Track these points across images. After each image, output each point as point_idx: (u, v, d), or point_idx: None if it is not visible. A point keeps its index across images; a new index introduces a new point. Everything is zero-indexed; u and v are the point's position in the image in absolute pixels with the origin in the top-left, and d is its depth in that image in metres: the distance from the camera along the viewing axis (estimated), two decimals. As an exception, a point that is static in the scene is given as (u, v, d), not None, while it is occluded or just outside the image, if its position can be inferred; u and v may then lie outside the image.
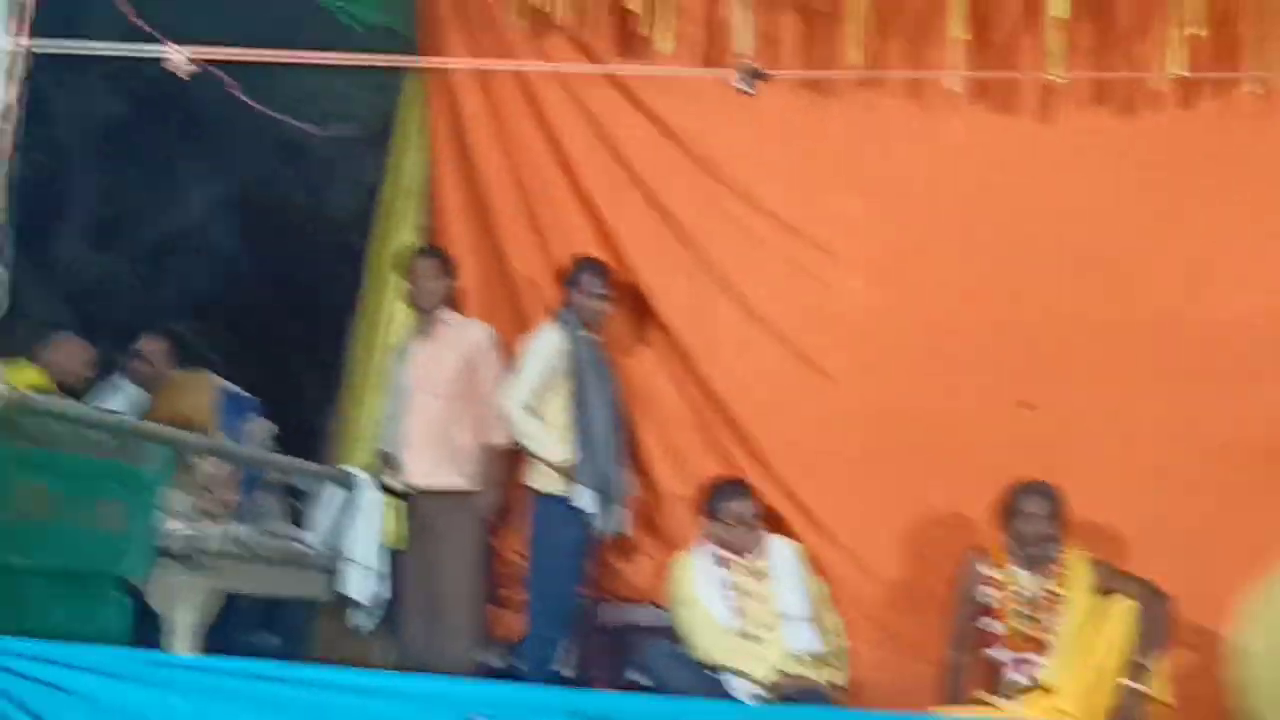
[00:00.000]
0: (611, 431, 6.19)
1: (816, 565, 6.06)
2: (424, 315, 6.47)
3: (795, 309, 6.48)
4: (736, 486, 5.91)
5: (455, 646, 6.15)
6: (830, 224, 6.47)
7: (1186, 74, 5.96)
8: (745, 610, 5.70)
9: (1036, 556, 5.59)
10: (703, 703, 5.03)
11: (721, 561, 5.78)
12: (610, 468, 6.14)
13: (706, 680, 5.53)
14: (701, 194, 6.57)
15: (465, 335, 6.47)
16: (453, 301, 6.56)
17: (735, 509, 5.77)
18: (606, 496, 6.11)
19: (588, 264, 6.34)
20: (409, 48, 6.87)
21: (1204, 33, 5.88)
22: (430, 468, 6.31)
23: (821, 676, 5.62)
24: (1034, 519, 5.57)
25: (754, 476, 6.30)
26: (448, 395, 6.36)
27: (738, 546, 5.77)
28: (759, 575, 5.76)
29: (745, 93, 4.39)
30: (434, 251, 6.61)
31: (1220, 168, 6.18)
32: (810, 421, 6.39)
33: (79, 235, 9.34)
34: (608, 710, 3.91)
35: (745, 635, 5.65)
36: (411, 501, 6.36)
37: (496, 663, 6.31)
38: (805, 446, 6.38)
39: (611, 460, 6.16)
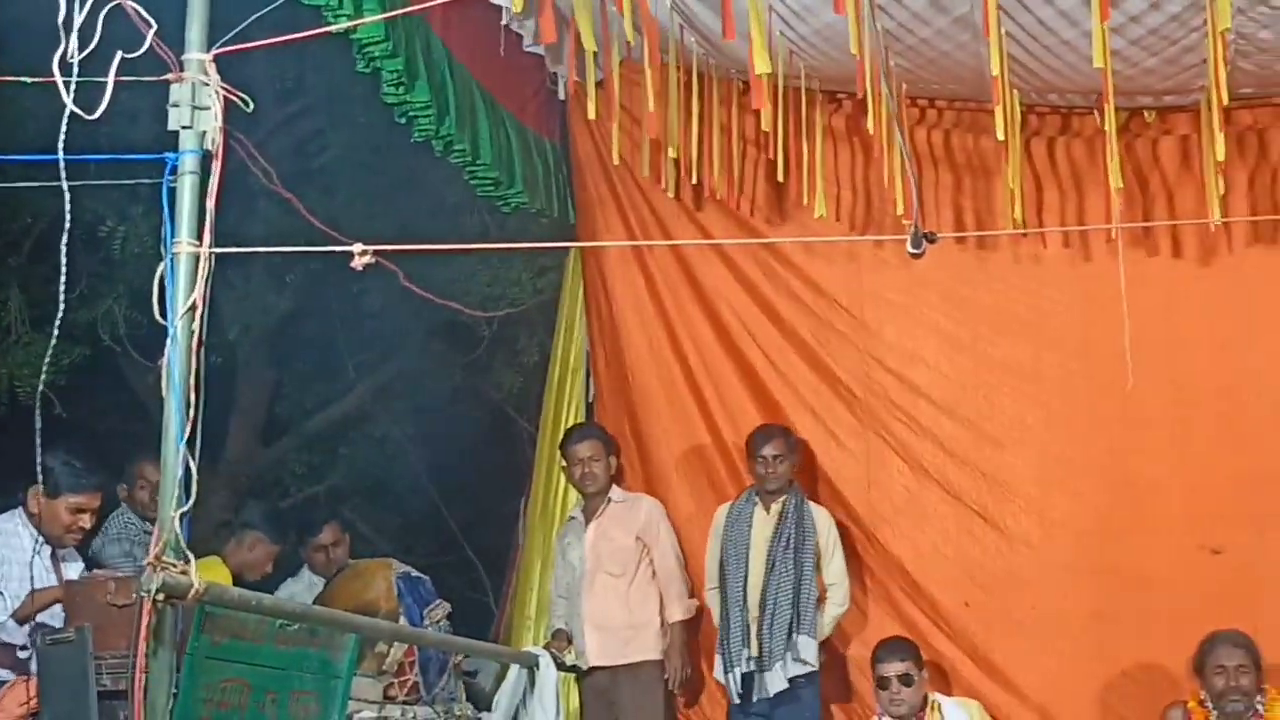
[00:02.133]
0: (742, 600, 6.16)
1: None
2: (590, 497, 6.53)
3: (966, 467, 6.40)
4: (897, 649, 5.79)
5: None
6: (994, 379, 6.42)
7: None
8: None
9: (1236, 709, 5.40)
10: None
11: None
12: (736, 637, 6.11)
13: None
14: (862, 354, 6.55)
15: (635, 512, 6.51)
16: (618, 478, 6.61)
17: (896, 666, 5.64)
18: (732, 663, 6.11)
19: (762, 430, 6.34)
20: (565, 231, 7.01)
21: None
22: (612, 644, 6.34)
23: None
24: (1229, 671, 5.40)
25: (938, 641, 6.26)
26: (624, 573, 6.40)
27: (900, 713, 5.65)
28: None
29: (916, 255, 4.38)
30: (592, 431, 6.66)
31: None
32: (992, 582, 6.29)
33: (249, 430, 9.56)
34: None
35: None
36: (590, 678, 6.37)
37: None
38: (989, 608, 6.27)
39: (740, 630, 6.11)
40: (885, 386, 6.52)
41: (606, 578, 6.40)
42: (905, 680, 5.64)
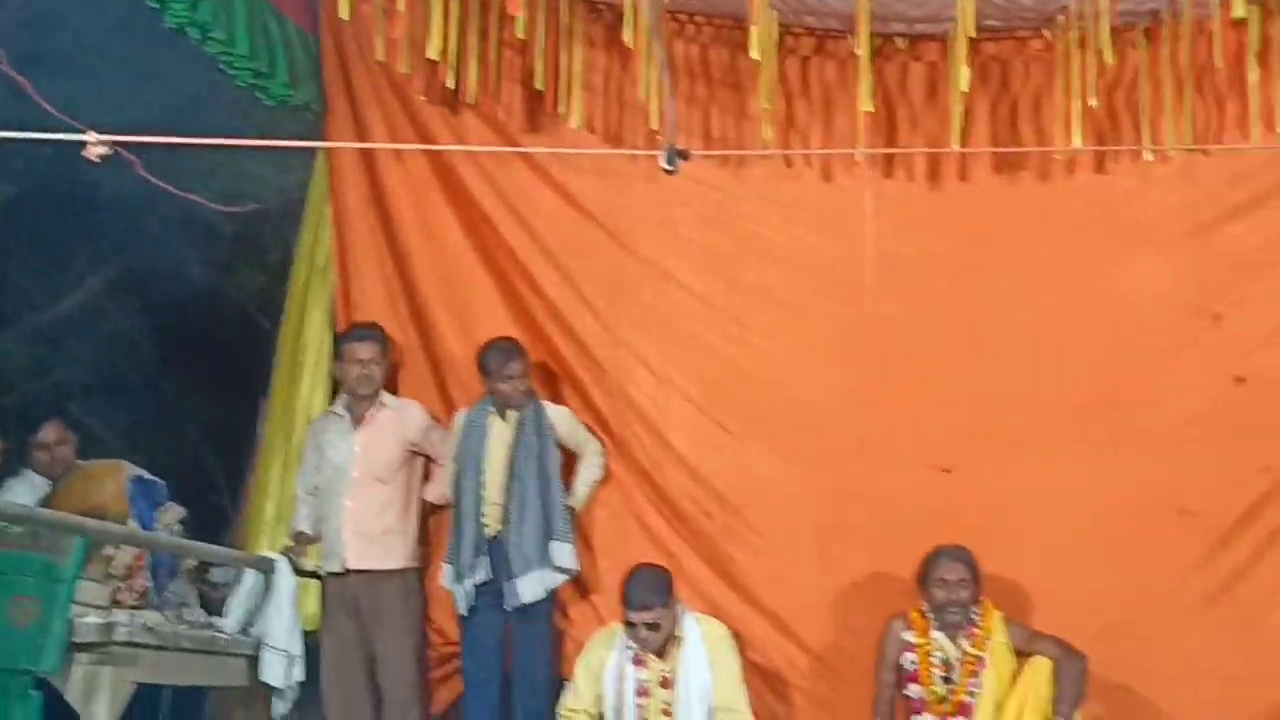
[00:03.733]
0: (475, 510, 6.15)
1: (745, 637, 6.06)
2: (361, 399, 6.40)
3: (712, 383, 6.49)
4: (656, 580, 5.77)
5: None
6: (744, 298, 6.51)
7: (1083, 147, 6.11)
8: (644, 718, 5.66)
9: (955, 620, 5.62)
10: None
11: (636, 660, 5.72)
12: (468, 548, 6.11)
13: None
14: (615, 268, 6.56)
15: (404, 417, 6.43)
16: (389, 384, 6.51)
17: (652, 613, 5.65)
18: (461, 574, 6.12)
19: (498, 347, 6.29)
20: (319, 125, 6.83)
21: (1097, 104, 6.05)
22: (376, 550, 6.27)
23: None
24: (950, 584, 5.62)
25: (677, 548, 6.33)
26: (393, 478, 6.35)
27: (652, 646, 5.70)
28: (666, 682, 5.69)
29: (669, 172, 4.38)
30: (369, 332, 6.47)
31: (1134, 236, 6.32)
32: (732, 494, 6.41)
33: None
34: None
35: None
36: (340, 582, 6.28)
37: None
38: (729, 519, 6.39)
39: (471, 542, 6.12)
40: (637, 301, 6.55)
41: (375, 484, 6.31)
42: (652, 628, 5.67)
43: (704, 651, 5.71)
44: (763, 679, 6.18)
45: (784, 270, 6.49)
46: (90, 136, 4.30)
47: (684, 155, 4.19)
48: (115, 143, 4.33)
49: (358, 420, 6.41)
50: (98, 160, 4.31)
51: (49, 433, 6.70)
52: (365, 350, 6.37)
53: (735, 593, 6.34)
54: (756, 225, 6.53)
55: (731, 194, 6.53)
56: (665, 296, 6.55)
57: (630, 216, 6.56)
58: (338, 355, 6.48)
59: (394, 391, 6.56)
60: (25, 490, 6.49)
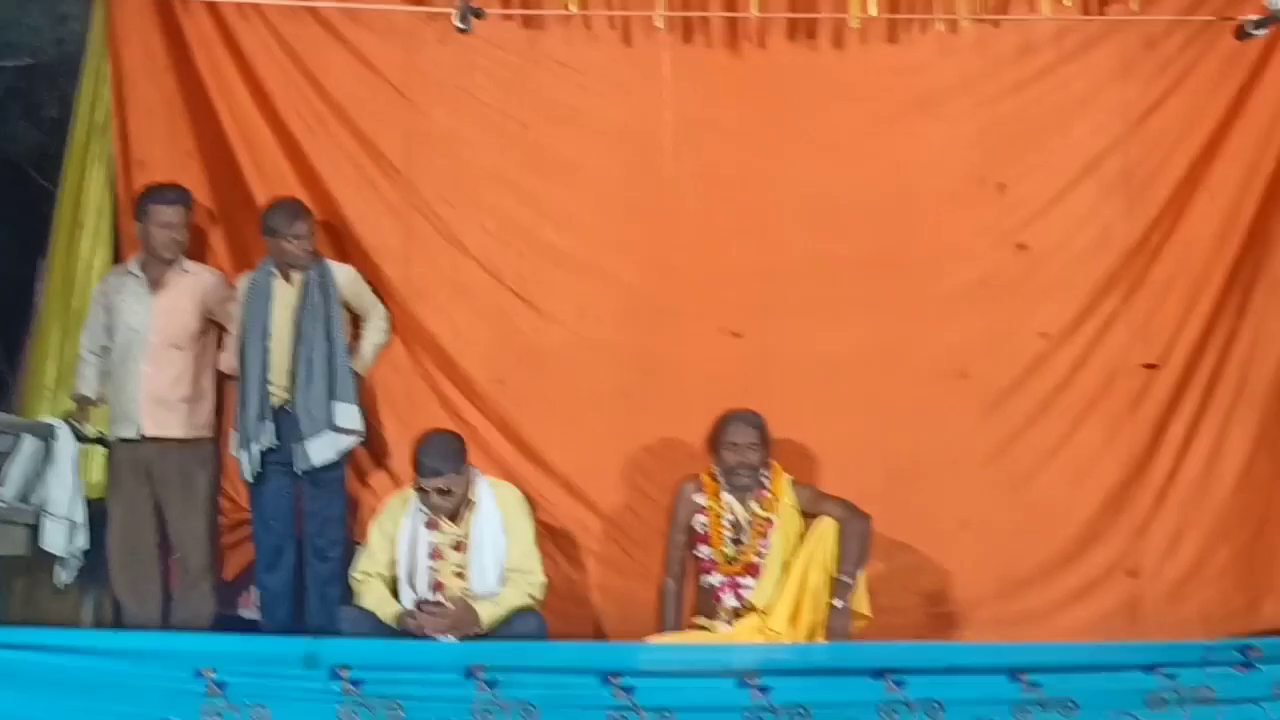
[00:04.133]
0: (261, 374, 6.08)
1: (537, 501, 6.12)
2: (161, 261, 6.23)
3: (506, 248, 6.45)
4: (446, 443, 5.75)
5: (197, 595, 6.12)
6: (539, 164, 6.46)
7: (876, 14, 6.20)
8: (438, 579, 5.66)
9: (744, 482, 5.74)
10: (455, 646, 4.95)
11: (428, 523, 5.72)
12: (253, 413, 6.05)
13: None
14: (408, 131, 6.45)
15: (202, 283, 6.29)
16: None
17: (444, 479, 5.62)
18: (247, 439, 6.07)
19: (283, 207, 6.17)
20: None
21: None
22: (173, 418, 6.16)
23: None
24: (740, 448, 5.72)
25: (470, 415, 6.34)
26: (190, 345, 6.22)
27: (444, 510, 5.70)
28: (460, 546, 5.72)
29: (462, 30, 4.28)
30: (178, 195, 6.26)
31: (924, 106, 6.41)
32: (525, 360, 6.42)
33: None
34: (346, 658, 3.85)
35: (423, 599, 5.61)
36: (132, 449, 6.16)
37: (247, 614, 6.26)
38: (522, 385, 6.40)
39: (256, 407, 6.06)
40: (430, 166, 6.45)
41: (173, 350, 6.18)
42: (445, 493, 5.68)
43: (497, 515, 5.73)
44: (555, 542, 6.25)
45: (580, 135, 6.44)
46: None
47: (478, 14, 4.10)
48: None
49: (155, 283, 6.25)
50: None
51: None
52: (174, 214, 6.20)
53: (527, 457, 6.38)
54: (554, 90, 6.45)
55: (528, 58, 6.44)
56: (460, 161, 6.46)
57: (424, 79, 6.43)
58: (139, 215, 6.26)
59: (195, 256, 6.41)
60: None
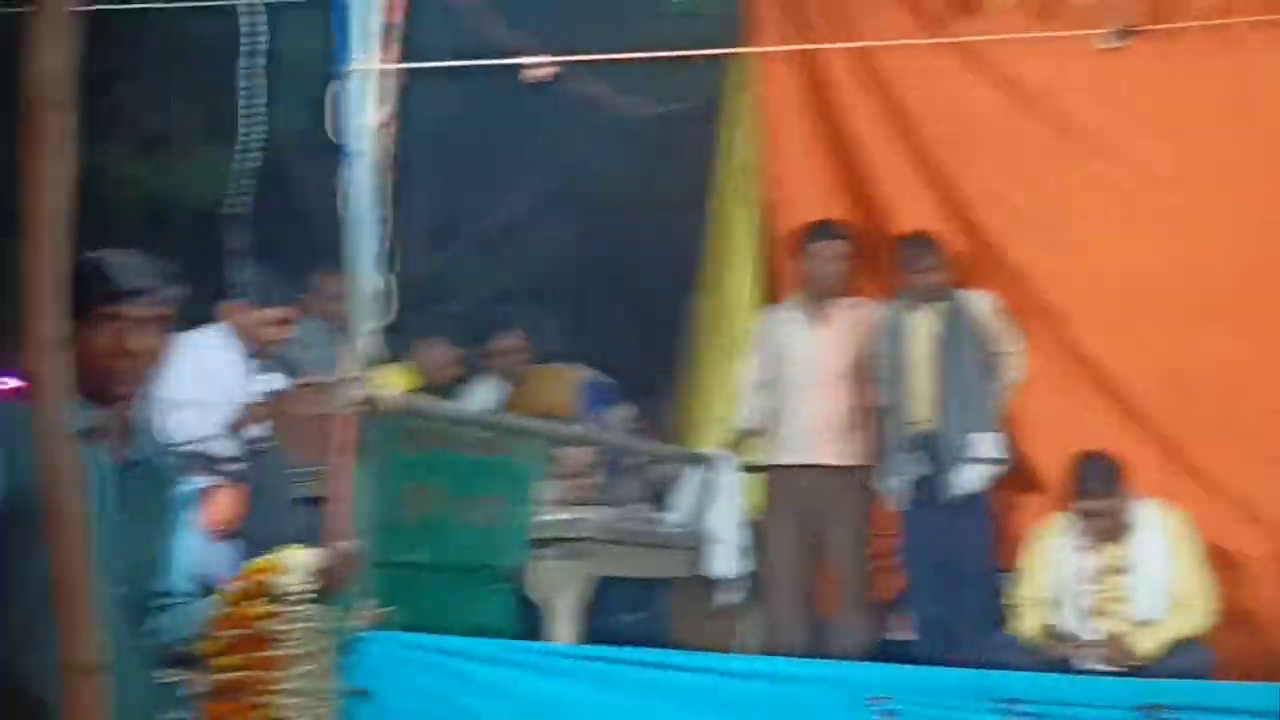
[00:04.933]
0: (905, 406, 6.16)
1: (1202, 523, 5.83)
2: (821, 295, 6.47)
3: (1164, 264, 6.22)
4: (1104, 466, 5.64)
5: (856, 619, 6.31)
6: (1204, 173, 6.20)
7: None
8: (1097, 604, 5.54)
9: None
10: (1128, 683, 4.86)
11: (1082, 548, 5.61)
12: (900, 446, 6.13)
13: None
14: (1057, 153, 6.38)
15: (861, 316, 6.50)
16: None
17: (1097, 500, 5.53)
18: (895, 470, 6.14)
19: (914, 241, 6.25)
20: (731, 25, 6.86)
21: None
22: (837, 445, 6.38)
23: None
24: None
25: (1130, 434, 6.14)
26: (852, 376, 6.43)
27: (1103, 534, 5.57)
28: (1119, 570, 5.57)
29: (1112, 49, 4.23)
30: (834, 230, 6.51)
31: None
32: (1189, 377, 6.16)
33: (418, 240, 9.65)
34: (1015, 692, 3.85)
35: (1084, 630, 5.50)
36: (789, 476, 6.41)
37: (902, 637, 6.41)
38: (1184, 403, 6.16)
39: (901, 436, 6.13)
40: (1075, 185, 6.34)
41: (837, 380, 6.41)
42: (1099, 515, 5.55)
43: (1161, 538, 5.58)
44: (1225, 569, 5.93)
45: (1233, 146, 6.13)
46: (534, 60, 4.50)
47: (1132, 32, 4.02)
48: (556, 63, 4.52)
49: (818, 318, 6.48)
50: (550, 79, 4.52)
51: (507, 339, 7.06)
52: (830, 248, 6.43)
53: (1193, 479, 6.10)
54: (1201, 100, 6.18)
55: (1176, 65, 6.17)
56: (1106, 179, 6.31)
57: (1064, 98, 6.32)
58: (802, 252, 6.51)
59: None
60: (487, 394, 6.88)
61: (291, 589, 2.91)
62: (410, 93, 8.53)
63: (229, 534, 4.94)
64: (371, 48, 4.42)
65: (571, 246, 9.62)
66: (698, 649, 6.06)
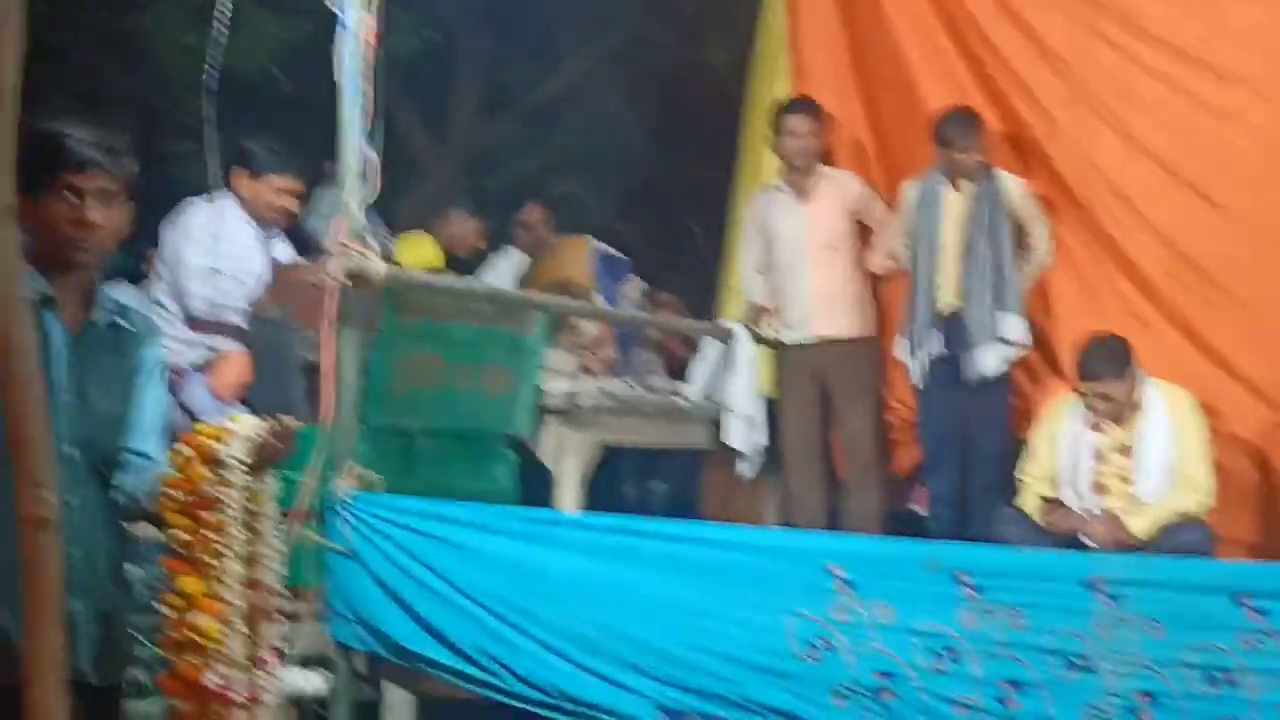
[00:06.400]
0: (930, 283, 6.20)
1: (1216, 406, 5.88)
2: (798, 171, 6.53)
3: (1185, 144, 6.18)
4: (1113, 348, 5.67)
5: (867, 487, 6.49)
6: (1227, 43, 6.12)
7: None
8: (1100, 482, 5.61)
9: None
10: (1073, 556, 5.00)
11: (1092, 425, 5.67)
12: (922, 321, 6.19)
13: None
14: (1081, 23, 6.32)
15: (846, 188, 6.57)
16: (825, 156, 6.63)
17: (1104, 383, 5.57)
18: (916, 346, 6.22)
19: (958, 118, 6.22)
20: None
21: None
22: (840, 317, 6.51)
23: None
24: None
25: (1147, 316, 6.19)
26: (843, 246, 6.52)
27: (1111, 414, 5.63)
28: (1125, 450, 5.63)
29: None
30: (805, 105, 6.57)
31: None
32: (1207, 260, 6.14)
33: (471, 105, 9.78)
34: (965, 564, 3.98)
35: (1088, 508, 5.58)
36: (802, 351, 6.53)
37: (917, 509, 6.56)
38: (1204, 286, 6.15)
39: (925, 315, 6.18)
40: (1102, 63, 6.28)
41: (830, 252, 6.51)
42: (1106, 397, 5.58)
43: (1166, 419, 5.63)
44: (1239, 449, 6.00)
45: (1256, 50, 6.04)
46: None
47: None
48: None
49: (802, 193, 6.56)
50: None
51: (530, 212, 7.22)
52: (801, 124, 6.48)
53: (1211, 361, 6.13)
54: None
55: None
56: (1132, 60, 6.25)
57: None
58: (773, 128, 6.60)
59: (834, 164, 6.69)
60: (507, 266, 7.05)
61: (233, 456, 3.07)
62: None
63: (237, 399, 5.15)
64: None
65: (622, 116, 9.70)
66: (724, 520, 6.29)
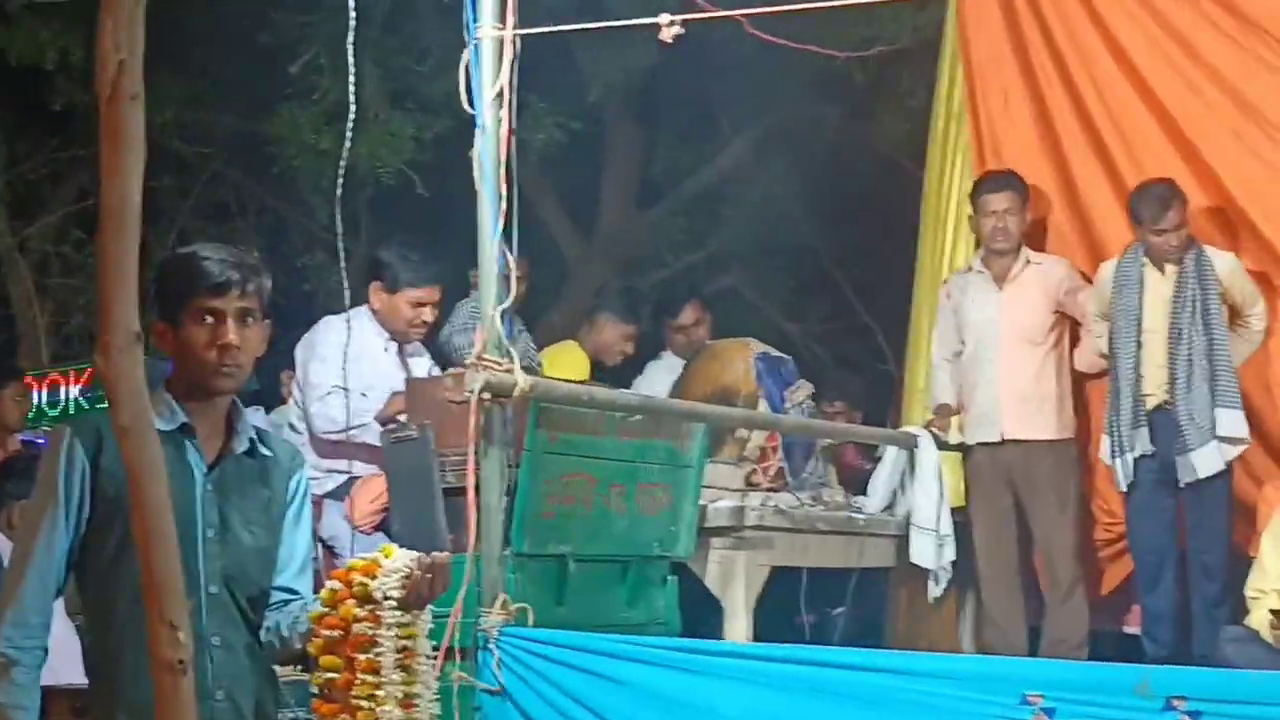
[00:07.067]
0: (1134, 374, 6.13)
1: None
2: (997, 253, 6.54)
3: None
4: None
5: (1070, 608, 6.39)
6: None
7: None
8: None
9: None
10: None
11: None
12: (1125, 418, 6.10)
13: None
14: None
15: (1051, 274, 6.54)
16: (1031, 238, 6.63)
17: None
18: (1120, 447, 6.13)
19: (1152, 192, 6.17)
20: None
21: None
22: (1034, 417, 6.47)
23: None
24: None
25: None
26: (1044, 340, 6.51)
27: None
28: None
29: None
30: (1004, 180, 6.55)
31: None
32: None
33: (621, 198, 9.94)
34: (1182, 688, 3.92)
35: None
36: (993, 452, 6.51)
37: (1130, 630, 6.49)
38: None
39: (1129, 411, 6.10)
40: None
41: (1026, 346, 6.49)
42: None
43: None
44: None
45: None
46: (663, 18, 4.72)
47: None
48: (687, 20, 4.73)
49: (1000, 278, 6.54)
50: (671, 40, 4.74)
51: (686, 314, 7.30)
52: (1000, 201, 6.48)
53: None
54: None
55: None
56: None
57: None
58: (973, 207, 6.62)
59: (1037, 247, 6.66)
60: (662, 373, 7.10)
61: (387, 593, 3.10)
62: (600, 57, 8.88)
63: (375, 527, 5.29)
64: (495, 13, 4.68)
65: (789, 202, 9.77)
66: (912, 646, 6.25)
